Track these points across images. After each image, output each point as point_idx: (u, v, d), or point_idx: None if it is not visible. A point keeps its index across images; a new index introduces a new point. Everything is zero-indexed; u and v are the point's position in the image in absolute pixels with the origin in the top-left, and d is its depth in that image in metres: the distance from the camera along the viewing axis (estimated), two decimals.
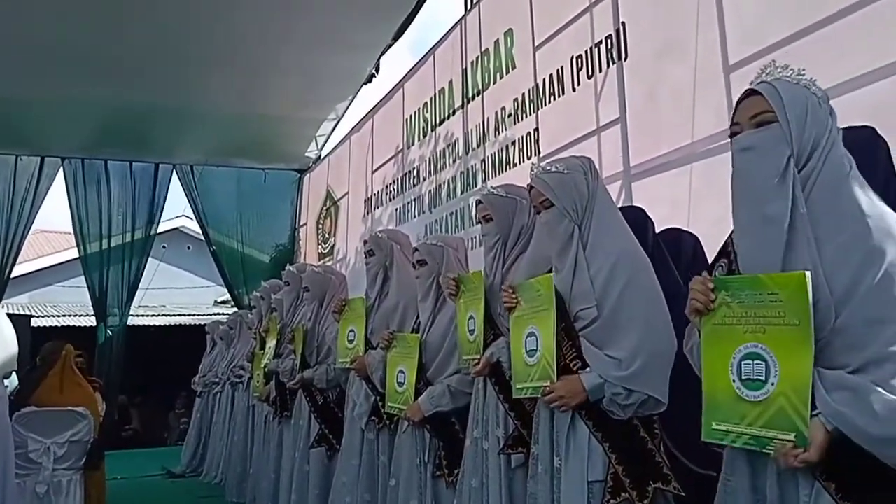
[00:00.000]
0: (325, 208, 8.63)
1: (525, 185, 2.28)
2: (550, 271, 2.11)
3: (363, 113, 7.61)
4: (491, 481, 2.32)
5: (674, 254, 2.50)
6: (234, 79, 6.91)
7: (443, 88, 5.80)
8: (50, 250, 14.03)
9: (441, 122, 5.81)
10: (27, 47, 5.96)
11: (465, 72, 5.41)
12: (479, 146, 5.17)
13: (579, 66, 4.10)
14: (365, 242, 3.46)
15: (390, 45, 6.69)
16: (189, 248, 14.05)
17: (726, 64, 3.09)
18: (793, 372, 1.33)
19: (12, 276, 8.73)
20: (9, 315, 3.61)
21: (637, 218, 2.47)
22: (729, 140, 1.54)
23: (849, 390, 1.29)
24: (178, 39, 6.10)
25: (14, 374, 4.46)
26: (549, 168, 2.13)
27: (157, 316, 12.18)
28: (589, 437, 1.93)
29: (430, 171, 5.95)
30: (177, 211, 13.45)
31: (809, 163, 1.42)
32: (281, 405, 4.29)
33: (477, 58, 5.25)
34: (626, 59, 3.72)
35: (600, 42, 3.91)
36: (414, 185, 6.24)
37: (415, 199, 6.20)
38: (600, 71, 3.92)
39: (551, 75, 4.34)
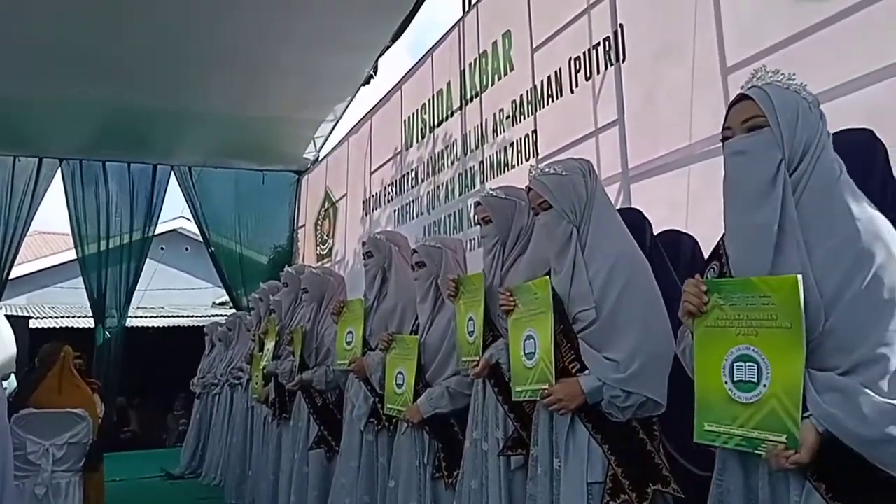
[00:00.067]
0: (323, 210, 8.62)
1: (524, 187, 2.28)
2: (549, 273, 2.11)
3: (361, 114, 7.61)
4: (490, 483, 2.32)
5: (672, 256, 2.51)
6: (233, 79, 6.91)
7: (441, 90, 5.80)
8: (48, 252, 14.01)
9: (439, 124, 5.81)
10: (26, 47, 5.96)
11: (463, 73, 5.41)
12: (477, 148, 5.17)
13: (577, 67, 4.10)
14: (363, 244, 3.46)
15: (388, 47, 6.70)
16: (187, 249, 14.04)
17: (724, 66, 3.10)
18: (784, 374, 1.34)
19: (10, 277, 8.71)
20: (7, 317, 3.60)
21: (635, 220, 2.47)
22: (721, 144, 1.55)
23: (838, 392, 1.30)
24: (176, 40, 6.10)
25: (13, 375, 4.45)
26: (547, 170, 2.13)
27: (155, 317, 12.18)
28: (588, 439, 1.94)
29: (428, 173, 5.95)
30: (175, 212, 13.36)
31: (800, 167, 1.43)
32: (280, 407, 4.28)
33: (475, 59, 5.25)
34: (623, 60, 3.73)
35: (598, 44, 3.92)
36: (412, 187, 6.23)
37: (413, 201, 6.20)
38: (598, 73, 3.93)
39: (549, 77, 4.35)
